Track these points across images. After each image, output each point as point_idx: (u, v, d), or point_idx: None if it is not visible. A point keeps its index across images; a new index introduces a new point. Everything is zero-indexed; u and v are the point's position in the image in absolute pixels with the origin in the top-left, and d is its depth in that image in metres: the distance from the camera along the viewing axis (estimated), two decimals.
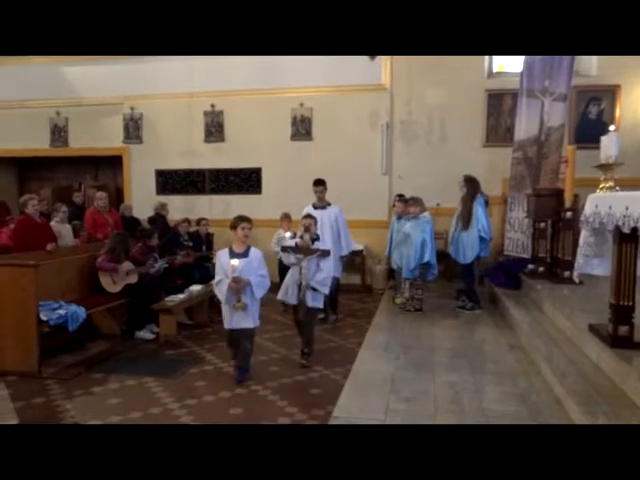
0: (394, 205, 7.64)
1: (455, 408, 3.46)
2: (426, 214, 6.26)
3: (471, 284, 6.33)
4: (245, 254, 4.31)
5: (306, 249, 4.67)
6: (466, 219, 6.11)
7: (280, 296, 4.88)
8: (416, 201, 6.30)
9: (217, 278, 4.29)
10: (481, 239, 6.06)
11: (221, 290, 4.25)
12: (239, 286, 4.15)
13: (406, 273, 6.26)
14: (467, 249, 6.10)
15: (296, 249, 4.68)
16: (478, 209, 6.09)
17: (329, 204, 6.30)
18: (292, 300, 4.76)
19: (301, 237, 4.79)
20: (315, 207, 6.24)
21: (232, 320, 4.32)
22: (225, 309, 4.35)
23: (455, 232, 6.25)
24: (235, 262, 4.08)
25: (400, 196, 7.51)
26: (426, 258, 6.04)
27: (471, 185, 6.21)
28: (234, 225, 4.31)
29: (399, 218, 6.78)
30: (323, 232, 5.45)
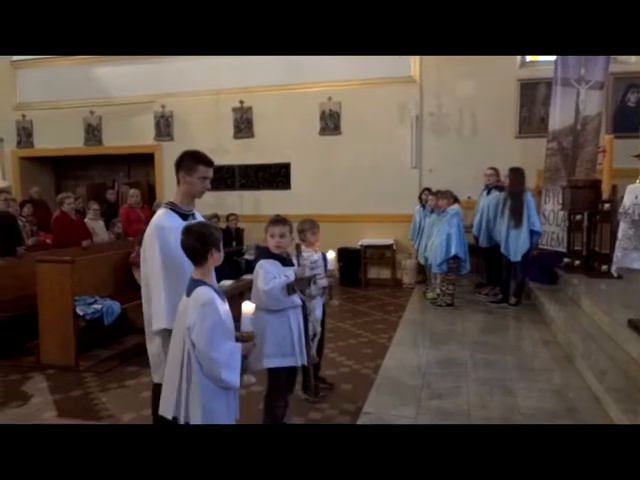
0: (420, 199, 7.58)
1: (489, 405, 3.40)
2: (455, 207, 6.15)
3: (522, 280, 6.10)
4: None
5: (308, 279, 3.10)
6: (518, 215, 5.80)
7: (286, 362, 3.04)
8: (443, 194, 6.20)
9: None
10: (533, 233, 5.87)
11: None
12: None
13: (435, 268, 6.18)
14: (519, 246, 5.83)
15: (297, 283, 3.00)
16: (530, 203, 5.85)
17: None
18: (301, 360, 3.11)
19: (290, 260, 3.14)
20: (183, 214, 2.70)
21: None
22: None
23: (505, 229, 5.93)
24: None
25: (427, 190, 7.44)
26: (452, 251, 5.93)
27: (522, 176, 5.94)
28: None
29: (431, 212, 6.69)
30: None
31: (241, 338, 2.32)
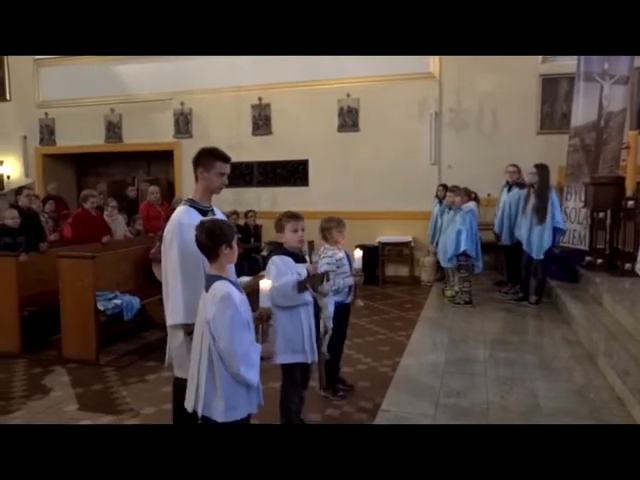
0: (437, 195, 7.52)
1: (508, 404, 3.36)
2: (469, 205, 6.09)
3: (543, 278, 6.01)
4: None
5: (320, 276, 3.10)
6: (542, 212, 5.70)
7: (296, 358, 3.03)
8: (459, 191, 6.14)
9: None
10: (556, 230, 5.77)
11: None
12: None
13: (444, 262, 6.23)
14: (542, 243, 5.73)
15: (309, 280, 3.01)
16: (554, 200, 5.75)
17: None
18: (311, 357, 3.05)
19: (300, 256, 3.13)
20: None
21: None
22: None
23: (528, 226, 5.84)
24: None
25: (443, 186, 7.38)
26: (462, 248, 5.87)
27: (547, 173, 5.82)
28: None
29: (449, 209, 6.64)
30: None
31: (258, 316, 2.39)
